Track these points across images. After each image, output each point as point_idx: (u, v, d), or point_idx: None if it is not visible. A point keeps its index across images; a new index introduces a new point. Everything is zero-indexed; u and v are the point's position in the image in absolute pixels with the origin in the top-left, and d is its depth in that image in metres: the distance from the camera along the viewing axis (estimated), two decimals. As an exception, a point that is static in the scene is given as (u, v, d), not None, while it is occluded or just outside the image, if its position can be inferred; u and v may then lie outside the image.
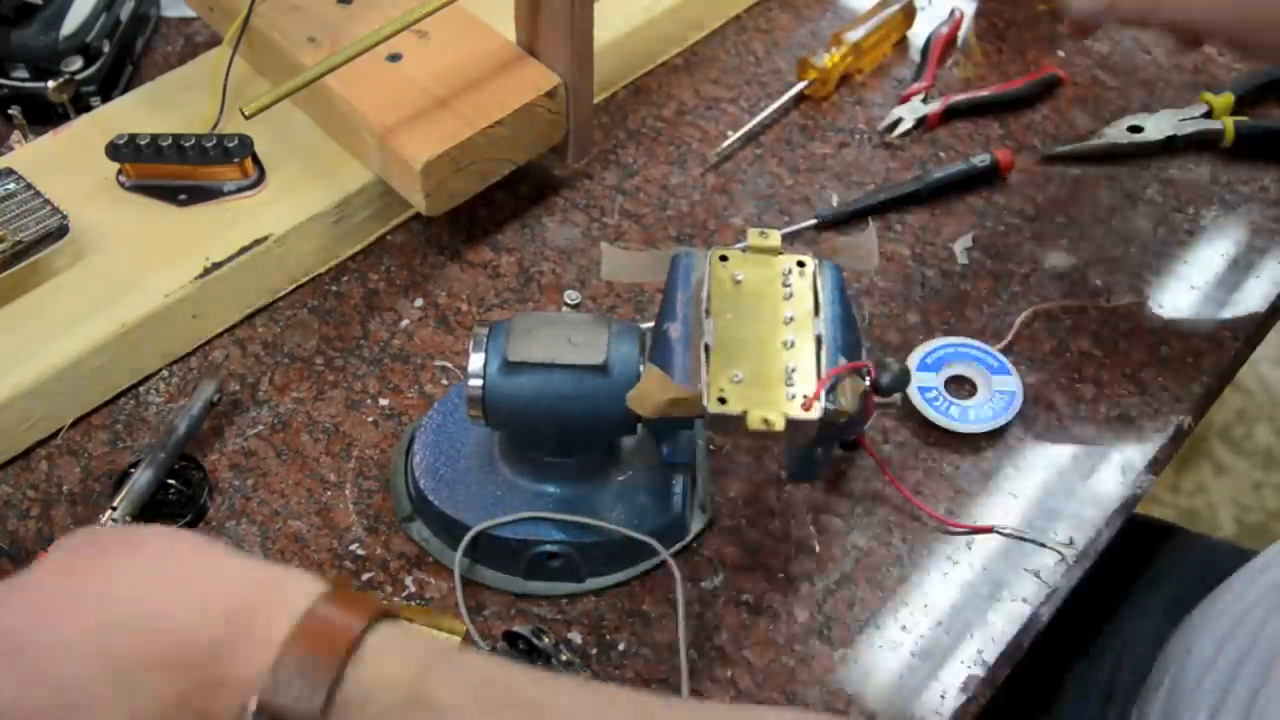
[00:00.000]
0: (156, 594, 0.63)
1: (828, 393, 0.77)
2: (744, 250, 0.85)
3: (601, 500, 0.91)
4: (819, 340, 0.80)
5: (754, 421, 0.76)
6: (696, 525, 0.94)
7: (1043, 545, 0.93)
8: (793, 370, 0.79)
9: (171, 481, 0.95)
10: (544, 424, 0.86)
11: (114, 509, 0.90)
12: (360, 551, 0.93)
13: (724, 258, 0.84)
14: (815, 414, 0.76)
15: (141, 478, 0.91)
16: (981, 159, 1.14)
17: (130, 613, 0.62)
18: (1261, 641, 0.91)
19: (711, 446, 0.99)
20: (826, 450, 0.85)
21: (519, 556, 0.90)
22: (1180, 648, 1.02)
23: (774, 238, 0.85)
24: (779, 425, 0.76)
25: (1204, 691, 0.95)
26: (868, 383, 0.80)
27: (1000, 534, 0.93)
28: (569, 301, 1.03)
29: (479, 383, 0.84)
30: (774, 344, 0.80)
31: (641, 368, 0.82)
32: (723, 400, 0.77)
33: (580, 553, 0.90)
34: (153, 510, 0.94)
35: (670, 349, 0.80)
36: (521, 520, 0.90)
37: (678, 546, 0.93)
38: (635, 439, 0.92)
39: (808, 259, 0.85)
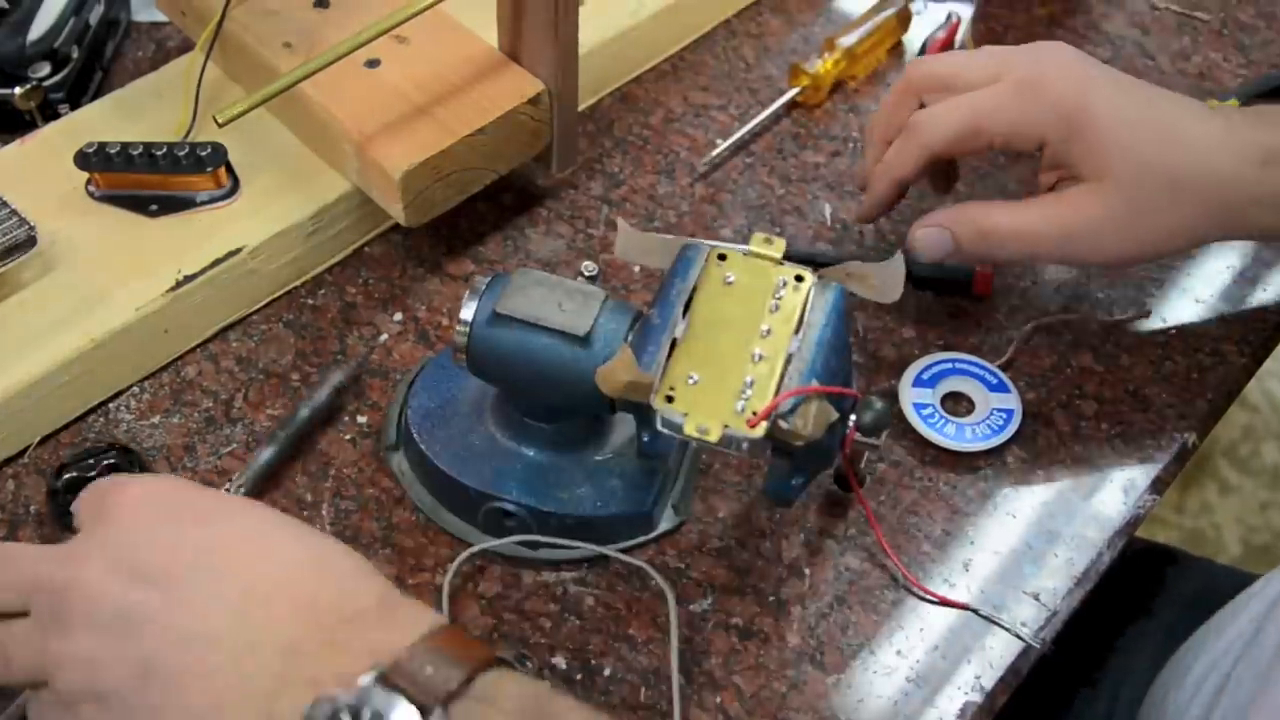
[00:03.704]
0: (319, 549, 0.72)
1: (783, 415, 0.77)
2: (745, 254, 0.85)
3: (573, 474, 0.92)
4: (788, 359, 0.80)
5: (689, 427, 0.77)
6: (665, 524, 0.94)
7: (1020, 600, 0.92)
8: (750, 384, 0.79)
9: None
10: (519, 381, 0.88)
11: (229, 486, 0.93)
12: (336, 575, 0.91)
13: (722, 257, 0.85)
14: (758, 433, 0.77)
15: (262, 455, 0.93)
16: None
17: (289, 555, 0.71)
18: (1242, 673, 0.91)
19: (704, 458, 0.98)
20: (800, 477, 0.84)
21: (478, 508, 0.92)
22: (1171, 679, 1.02)
23: (777, 245, 0.85)
24: (713, 437, 0.77)
25: None
26: (838, 414, 0.79)
27: (982, 612, 0.91)
28: (586, 272, 1.01)
29: (465, 329, 0.86)
30: (742, 354, 0.81)
31: (621, 347, 0.83)
32: (670, 399, 0.78)
33: (536, 519, 0.91)
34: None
35: (647, 335, 0.81)
36: (490, 474, 0.92)
37: (638, 540, 0.93)
38: (628, 426, 0.93)
39: (807, 274, 0.84)
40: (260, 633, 0.66)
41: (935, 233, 0.96)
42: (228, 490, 0.92)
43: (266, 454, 0.94)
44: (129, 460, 0.95)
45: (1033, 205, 0.94)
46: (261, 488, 0.94)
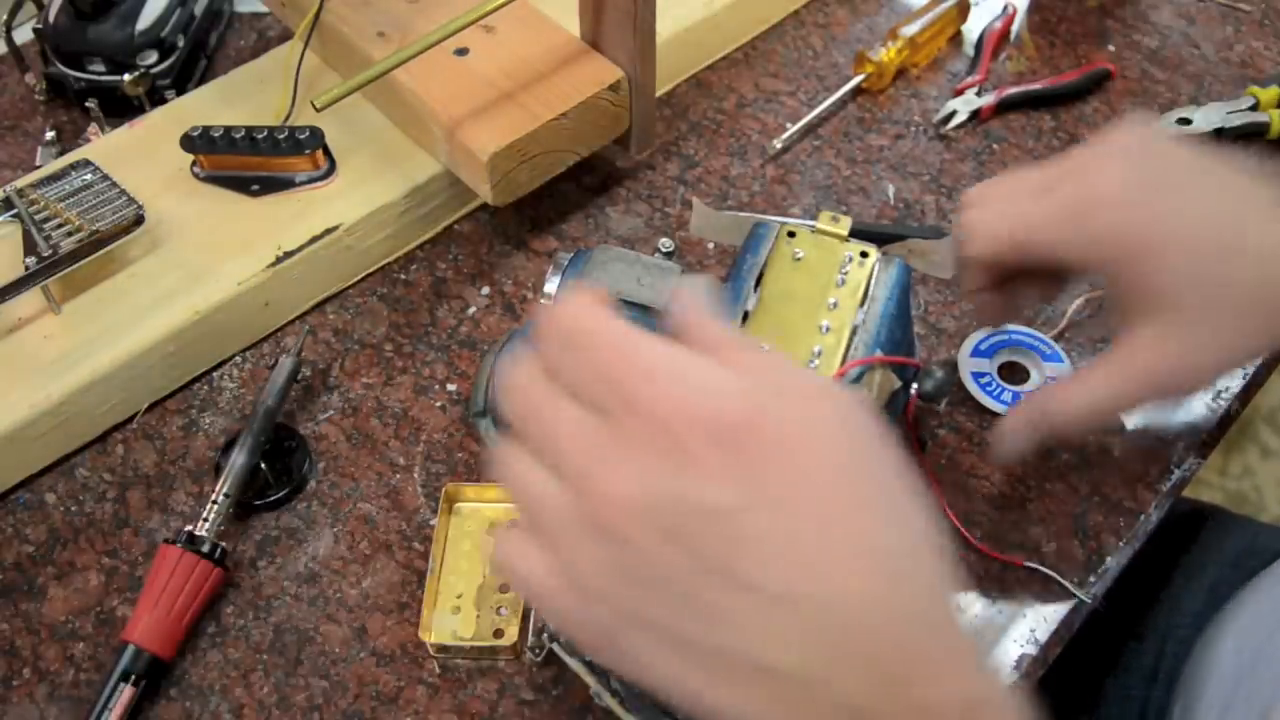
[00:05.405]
0: (920, 543, 0.60)
1: (849, 383, 0.79)
2: (813, 231, 0.87)
3: None
4: (854, 331, 0.82)
5: None
6: None
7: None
8: (818, 353, 0.81)
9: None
10: None
11: (226, 496, 0.92)
12: (428, 533, 0.95)
13: (791, 234, 0.87)
14: None
15: (238, 460, 0.93)
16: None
17: (882, 538, 0.58)
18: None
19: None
20: None
21: None
22: (1215, 634, 1.04)
23: (843, 223, 0.87)
24: None
25: (1225, 683, 0.97)
26: (900, 383, 0.81)
27: (1038, 569, 0.93)
28: (663, 249, 1.05)
29: (549, 302, 0.88)
30: (811, 325, 0.82)
31: None
32: None
33: None
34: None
35: (720, 309, 0.82)
36: None
37: None
38: None
39: (872, 250, 0.86)
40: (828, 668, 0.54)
41: (1014, 438, 0.87)
42: (215, 504, 0.90)
43: (241, 459, 0.94)
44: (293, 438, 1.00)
45: (1100, 370, 0.83)
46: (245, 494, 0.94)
